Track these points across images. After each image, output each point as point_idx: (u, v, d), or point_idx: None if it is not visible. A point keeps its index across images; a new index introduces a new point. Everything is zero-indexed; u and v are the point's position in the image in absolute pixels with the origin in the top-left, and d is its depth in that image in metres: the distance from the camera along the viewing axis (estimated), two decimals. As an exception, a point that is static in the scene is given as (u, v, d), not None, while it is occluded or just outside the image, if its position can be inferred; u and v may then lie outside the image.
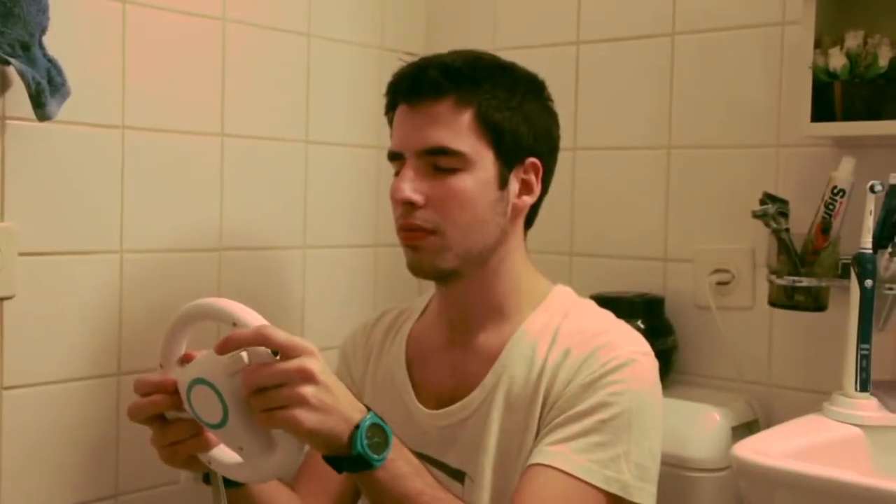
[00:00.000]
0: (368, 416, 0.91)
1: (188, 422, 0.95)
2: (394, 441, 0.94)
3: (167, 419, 0.96)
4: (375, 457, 0.91)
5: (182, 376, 0.94)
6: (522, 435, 1.09)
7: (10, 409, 1.23)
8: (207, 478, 1.00)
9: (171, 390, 0.95)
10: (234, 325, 0.91)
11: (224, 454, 0.97)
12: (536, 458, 1.04)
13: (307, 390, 0.87)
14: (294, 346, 0.88)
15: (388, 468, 0.93)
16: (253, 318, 0.91)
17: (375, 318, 1.31)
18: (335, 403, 0.89)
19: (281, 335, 0.88)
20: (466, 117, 1.10)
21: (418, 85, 1.11)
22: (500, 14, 1.76)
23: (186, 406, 0.94)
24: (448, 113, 1.10)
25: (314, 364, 0.88)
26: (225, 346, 0.89)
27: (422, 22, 1.81)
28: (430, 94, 1.10)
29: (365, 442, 0.90)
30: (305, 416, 0.87)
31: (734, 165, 1.50)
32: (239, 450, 0.94)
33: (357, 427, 0.90)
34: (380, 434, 0.92)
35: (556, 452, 1.03)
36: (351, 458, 0.91)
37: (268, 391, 0.87)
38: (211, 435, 0.96)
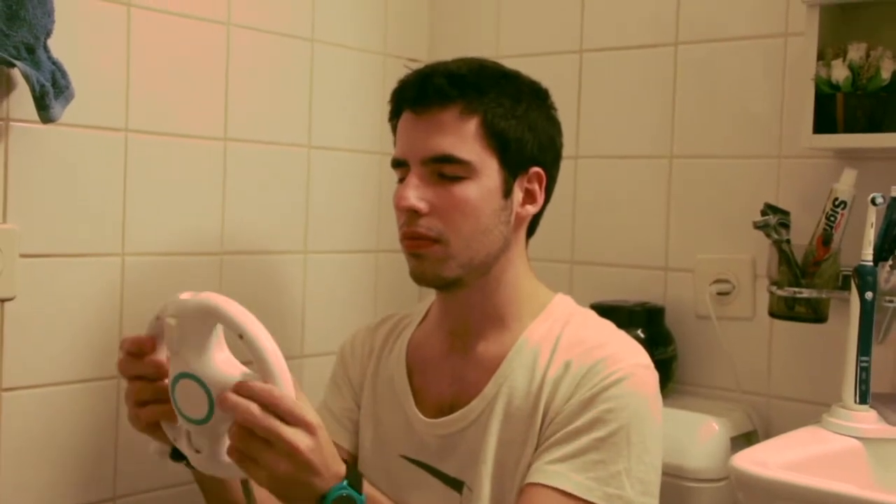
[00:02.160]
0: (337, 488, 0.93)
1: (156, 386, 0.96)
2: None
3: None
4: None
5: (176, 364, 0.94)
6: (522, 447, 1.08)
7: (9, 411, 1.23)
8: (175, 454, 1.00)
9: (150, 350, 0.96)
10: (241, 336, 0.91)
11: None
12: (536, 478, 1.04)
13: (282, 464, 0.89)
14: (296, 419, 0.90)
15: None
16: (262, 337, 0.90)
17: (377, 322, 1.31)
18: (308, 478, 0.91)
19: (288, 403, 0.89)
20: (472, 125, 1.10)
21: (424, 92, 1.11)
22: (503, 22, 1.76)
23: (168, 390, 0.94)
24: (454, 121, 1.09)
25: (307, 442, 0.90)
26: (232, 398, 0.90)
27: (425, 28, 1.82)
28: (436, 102, 1.10)
29: None
30: (269, 482, 0.90)
31: (736, 176, 1.50)
32: (198, 450, 0.95)
33: (323, 498, 0.93)
34: (347, 503, 0.94)
35: (554, 471, 1.03)
36: None
37: (253, 438, 0.89)
38: None
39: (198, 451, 0.95)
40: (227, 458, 0.93)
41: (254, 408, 0.88)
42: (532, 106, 1.14)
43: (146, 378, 0.98)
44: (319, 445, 0.91)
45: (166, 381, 0.95)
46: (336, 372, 1.30)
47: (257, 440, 0.89)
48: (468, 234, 1.09)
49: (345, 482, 0.94)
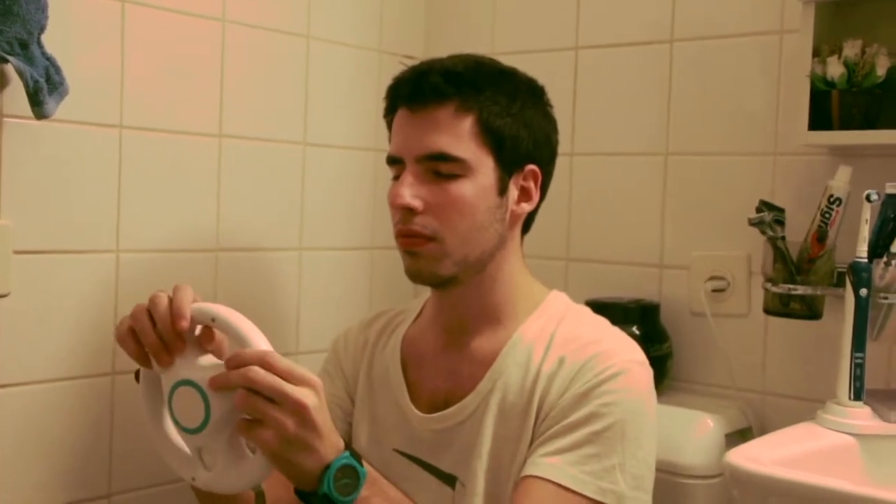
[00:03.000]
0: (341, 458, 0.91)
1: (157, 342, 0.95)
2: (368, 479, 0.94)
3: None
4: (343, 498, 0.91)
5: (168, 375, 0.94)
6: (516, 443, 1.08)
7: (3, 408, 1.22)
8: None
9: (186, 329, 0.93)
10: (213, 320, 0.91)
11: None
12: (531, 470, 1.04)
13: (290, 422, 0.87)
14: (299, 376, 0.89)
15: None
16: (232, 315, 0.91)
17: (371, 317, 1.31)
18: (313, 441, 0.89)
19: (284, 363, 0.89)
20: (467, 123, 1.09)
21: (420, 90, 1.11)
22: (498, 18, 1.76)
23: (165, 405, 0.94)
24: (449, 118, 1.09)
25: (312, 400, 0.89)
26: (228, 371, 0.89)
27: (421, 25, 1.82)
28: (432, 100, 1.10)
29: (332, 483, 0.90)
30: (279, 444, 0.88)
31: (731, 173, 1.50)
32: (204, 460, 0.94)
33: (328, 467, 0.91)
34: (351, 475, 0.92)
35: (550, 464, 1.03)
36: (318, 496, 0.91)
37: (258, 398, 0.87)
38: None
39: (207, 458, 0.95)
40: (238, 466, 0.92)
41: (254, 369, 0.87)
42: (528, 103, 1.14)
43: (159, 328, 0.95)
44: (323, 406, 0.90)
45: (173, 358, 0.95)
46: (329, 364, 1.30)
47: (263, 400, 0.87)
48: (463, 231, 1.09)
49: (347, 453, 0.93)
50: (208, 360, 0.95)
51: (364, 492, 0.93)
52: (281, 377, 0.88)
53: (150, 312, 0.95)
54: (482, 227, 1.10)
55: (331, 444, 0.91)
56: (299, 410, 0.87)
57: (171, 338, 0.94)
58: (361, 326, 1.30)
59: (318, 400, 0.89)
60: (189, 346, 0.94)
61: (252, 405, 0.88)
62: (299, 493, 0.93)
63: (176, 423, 0.94)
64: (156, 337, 0.94)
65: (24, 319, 1.24)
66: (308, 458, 0.90)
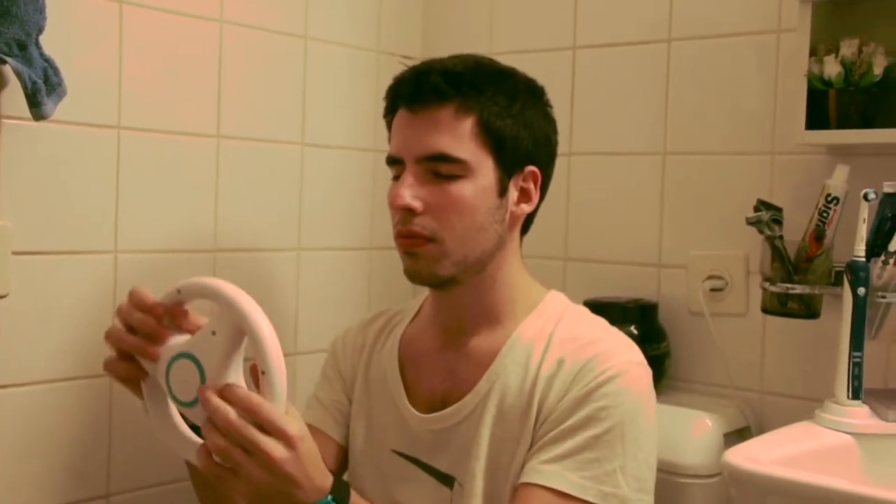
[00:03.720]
0: (320, 502, 0.94)
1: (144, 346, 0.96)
2: None
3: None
4: None
5: (159, 365, 0.95)
6: (515, 444, 1.08)
7: (2, 408, 1.23)
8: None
9: (154, 312, 0.96)
10: (251, 338, 0.92)
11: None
12: (531, 477, 1.04)
13: (261, 473, 0.89)
14: (275, 429, 0.90)
15: None
16: (265, 333, 0.91)
17: (369, 318, 1.31)
18: (288, 488, 0.91)
19: (266, 412, 0.89)
20: (468, 124, 1.09)
21: (420, 90, 1.10)
22: (496, 18, 1.76)
23: (162, 377, 0.95)
24: (450, 119, 1.09)
25: (282, 453, 0.90)
26: (212, 398, 0.90)
27: (418, 25, 1.82)
28: (432, 100, 1.09)
29: None
30: (251, 493, 0.91)
31: (729, 172, 1.50)
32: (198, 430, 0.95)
33: None
34: None
35: (549, 471, 1.03)
36: None
37: (232, 446, 0.89)
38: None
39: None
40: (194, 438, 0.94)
41: (231, 413, 0.89)
42: (528, 104, 1.14)
43: (140, 333, 0.97)
44: (298, 457, 0.91)
45: (158, 348, 0.96)
46: (327, 365, 1.30)
47: (237, 449, 0.89)
48: (463, 232, 1.09)
49: (329, 497, 0.94)
50: (228, 356, 0.95)
51: None
52: (259, 426, 0.89)
53: (122, 320, 0.98)
54: (482, 228, 1.10)
55: (313, 489, 0.93)
56: (269, 464, 0.89)
57: (150, 328, 0.96)
58: (359, 327, 1.30)
59: (290, 453, 0.90)
60: (168, 333, 0.97)
61: (225, 453, 0.89)
62: None
63: (178, 401, 0.95)
64: (134, 337, 0.97)
65: (22, 320, 1.24)
66: (282, 502, 0.92)
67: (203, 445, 0.92)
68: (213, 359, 0.92)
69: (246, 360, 0.94)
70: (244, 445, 0.89)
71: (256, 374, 0.92)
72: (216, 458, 0.91)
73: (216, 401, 0.90)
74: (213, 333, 0.93)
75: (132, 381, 1.00)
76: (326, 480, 0.96)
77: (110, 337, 0.98)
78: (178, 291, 0.95)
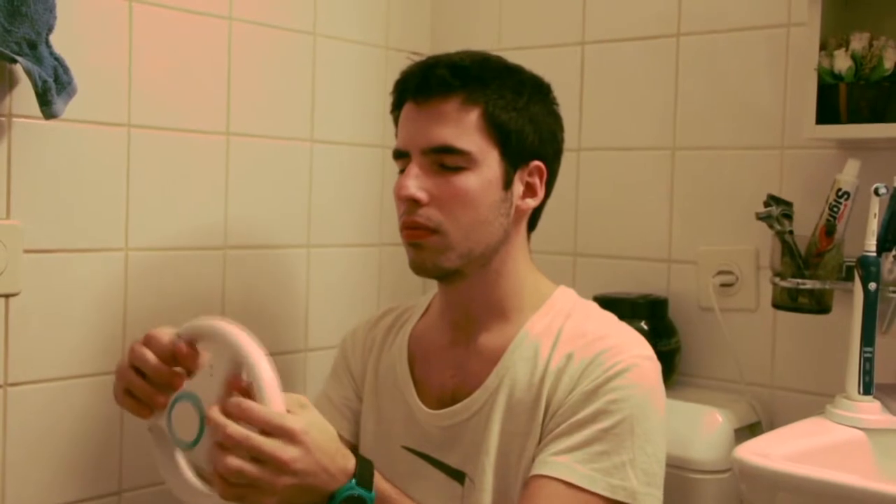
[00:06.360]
0: (345, 488, 0.93)
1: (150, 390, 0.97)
2: (378, 499, 0.96)
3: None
4: None
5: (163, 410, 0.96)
6: (524, 439, 1.08)
7: (14, 406, 1.23)
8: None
9: (170, 361, 0.96)
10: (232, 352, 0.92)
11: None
12: (540, 469, 1.04)
13: (281, 481, 0.88)
14: (274, 428, 0.88)
15: None
16: (242, 337, 0.91)
17: (379, 315, 1.31)
18: (307, 481, 0.90)
19: (261, 413, 0.88)
20: (473, 116, 1.10)
21: (426, 83, 1.11)
22: (505, 14, 1.76)
23: (165, 419, 0.95)
24: (455, 112, 1.10)
25: (295, 455, 0.89)
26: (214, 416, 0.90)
27: (427, 22, 1.82)
28: (438, 93, 1.10)
29: None
30: (274, 500, 0.89)
31: (738, 167, 1.50)
32: (202, 477, 0.95)
33: (332, 497, 0.92)
34: (357, 502, 0.94)
35: (559, 463, 1.03)
36: None
37: (242, 464, 0.87)
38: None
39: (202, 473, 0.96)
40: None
41: (230, 425, 0.87)
42: (534, 99, 1.14)
43: (146, 377, 0.98)
44: (308, 451, 0.90)
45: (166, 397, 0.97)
46: (337, 363, 1.30)
47: (247, 464, 0.87)
48: (467, 224, 1.09)
49: (353, 481, 0.94)
50: (207, 376, 0.95)
51: None
52: (260, 429, 0.88)
53: (136, 367, 0.97)
54: (486, 220, 1.10)
55: (333, 477, 0.92)
56: (281, 467, 0.88)
57: (162, 379, 0.96)
58: (369, 325, 1.30)
59: (296, 449, 0.89)
60: (181, 381, 0.97)
61: (238, 473, 0.87)
62: None
63: (181, 444, 0.95)
64: (147, 386, 0.97)
65: (34, 318, 1.24)
66: (310, 497, 0.92)
67: (217, 474, 0.89)
68: (212, 396, 0.91)
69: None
70: (253, 455, 0.87)
71: (239, 388, 0.92)
72: (232, 481, 0.89)
73: (217, 417, 0.89)
74: (211, 372, 0.93)
75: (139, 413, 1.00)
76: (348, 463, 0.94)
77: (121, 377, 0.99)
78: (178, 336, 0.96)
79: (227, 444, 0.87)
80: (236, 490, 0.89)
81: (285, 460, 0.88)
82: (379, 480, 0.99)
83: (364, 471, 0.96)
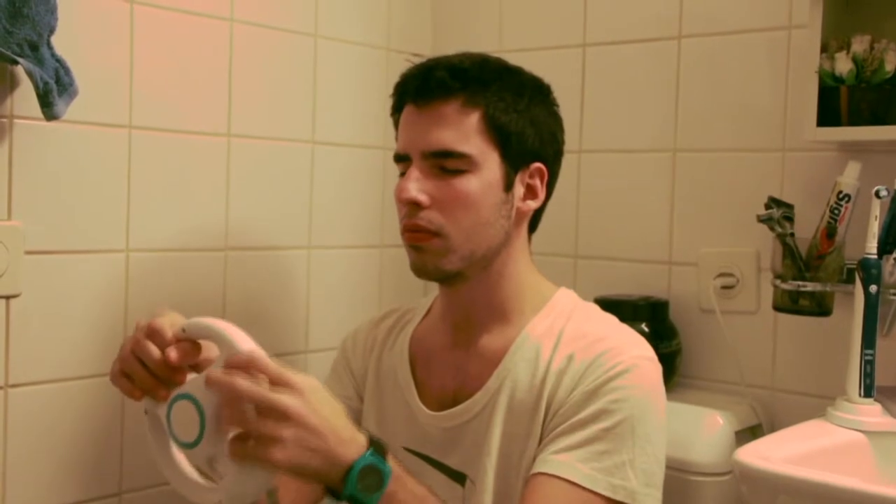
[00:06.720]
0: (363, 458, 0.90)
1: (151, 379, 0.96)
2: (393, 476, 0.92)
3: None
4: (368, 497, 0.90)
5: (163, 403, 0.95)
6: (525, 440, 1.09)
7: (15, 407, 1.23)
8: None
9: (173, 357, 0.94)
10: (202, 330, 0.92)
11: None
12: (541, 468, 1.04)
13: (286, 432, 0.86)
14: (283, 380, 0.87)
15: (387, 502, 0.92)
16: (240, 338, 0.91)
17: (380, 316, 1.31)
18: (317, 443, 0.87)
19: (272, 366, 0.87)
20: (473, 118, 1.10)
21: (426, 85, 1.11)
22: (506, 16, 1.76)
23: (164, 418, 0.95)
24: (455, 114, 1.10)
25: (298, 404, 0.86)
26: (216, 374, 0.88)
27: (428, 23, 1.82)
28: (438, 95, 1.10)
29: (356, 485, 0.89)
30: (282, 455, 0.86)
31: (739, 169, 1.49)
32: (219, 469, 0.93)
33: (350, 469, 0.89)
34: (374, 474, 0.91)
35: (560, 462, 1.03)
36: (344, 496, 0.90)
37: (246, 412, 0.86)
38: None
39: (205, 472, 0.95)
40: (238, 478, 0.90)
41: (237, 380, 0.86)
42: (534, 101, 1.14)
43: (147, 367, 0.96)
44: (312, 406, 0.87)
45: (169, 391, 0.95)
46: (337, 362, 1.30)
47: (253, 413, 0.86)
48: (468, 227, 1.09)
49: (368, 452, 0.91)
50: (193, 374, 0.95)
51: (389, 487, 0.92)
52: (270, 380, 0.87)
53: (135, 352, 0.95)
54: (487, 222, 1.10)
55: (348, 443, 0.90)
56: (285, 415, 0.86)
57: (164, 374, 0.94)
58: (370, 325, 1.30)
59: (306, 403, 0.87)
60: (185, 376, 0.95)
61: (242, 420, 0.86)
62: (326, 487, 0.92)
63: (179, 443, 0.94)
64: (149, 376, 0.95)
65: (35, 319, 1.24)
66: (323, 461, 0.88)
67: (231, 438, 0.88)
68: (213, 397, 0.90)
69: None
70: (259, 407, 0.85)
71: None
72: (239, 430, 0.87)
73: (219, 375, 0.87)
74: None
75: (131, 395, 0.98)
76: (359, 436, 0.92)
77: (123, 362, 0.97)
78: (184, 330, 0.94)
79: (236, 399, 0.86)
80: (246, 448, 0.87)
81: (289, 407, 0.85)
82: (392, 459, 0.96)
83: (378, 446, 0.93)
